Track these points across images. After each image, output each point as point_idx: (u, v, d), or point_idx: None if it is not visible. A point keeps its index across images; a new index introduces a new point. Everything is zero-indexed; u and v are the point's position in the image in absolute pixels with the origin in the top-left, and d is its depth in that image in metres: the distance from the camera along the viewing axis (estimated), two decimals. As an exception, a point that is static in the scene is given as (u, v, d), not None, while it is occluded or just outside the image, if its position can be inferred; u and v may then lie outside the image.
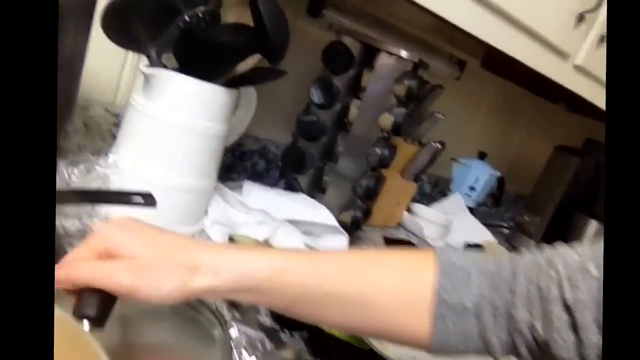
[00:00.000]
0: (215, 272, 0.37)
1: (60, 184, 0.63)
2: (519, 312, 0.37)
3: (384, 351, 0.54)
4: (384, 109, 0.91)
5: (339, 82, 0.89)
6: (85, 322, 0.34)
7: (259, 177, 1.06)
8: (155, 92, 0.67)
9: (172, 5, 0.62)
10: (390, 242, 1.05)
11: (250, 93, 0.82)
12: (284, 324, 0.60)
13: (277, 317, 0.60)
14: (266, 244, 0.73)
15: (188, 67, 0.66)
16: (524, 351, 0.37)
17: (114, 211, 0.63)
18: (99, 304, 0.35)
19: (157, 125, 0.68)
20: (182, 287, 0.36)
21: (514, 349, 0.38)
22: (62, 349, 0.28)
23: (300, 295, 0.39)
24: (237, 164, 1.03)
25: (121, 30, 0.64)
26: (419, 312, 0.39)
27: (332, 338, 0.54)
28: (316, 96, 0.88)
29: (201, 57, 0.65)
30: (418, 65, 0.91)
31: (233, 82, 0.71)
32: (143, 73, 0.67)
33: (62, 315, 0.32)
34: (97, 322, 0.35)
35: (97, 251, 0.37)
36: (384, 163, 0.94)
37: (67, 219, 0.66)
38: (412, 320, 0.40)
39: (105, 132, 0.85)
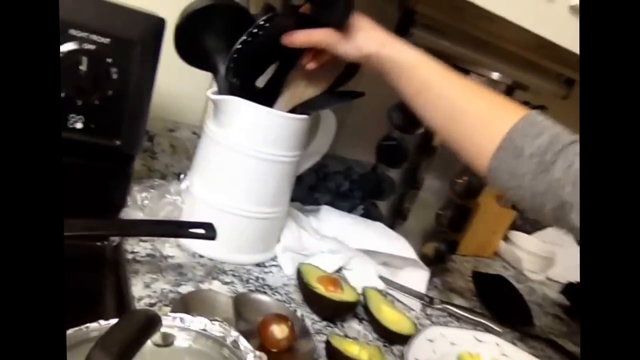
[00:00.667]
0: (396, 50, 0.59)
1: (132, 209, 0.66)
2: (556, 172, 0.47)
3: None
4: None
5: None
6: None
7: (342, 198, 1.03)
8: (224, 119, 0.67)
9: (245, 18, 0.62)
10: (480, 277, 0.96)
11: (329, 117, 0.79)
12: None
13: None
14: (334, 279, 0.70)
15: (254, 90, 0.65)
16: (548, 207, 0.48)
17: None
18: None
19: (227, 152, 0.67)
20: (376, 52, 0.60)
21: (541, 206, 0.49)
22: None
23: (423, 88, 0.58)
24: (320, 184, 1.01)
25: (193, 49, 0.64)
26: (491, 139, 0.52)
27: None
28: (397, 119, 0.83)
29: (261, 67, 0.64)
30: (513, 87, 0.82)
31: (306, 107, 0.69)
32: (211, 100, 0.67)
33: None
34: None
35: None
36: (472, 192, 0.86)
37: (139, 243, 0.69)
38: (483, 142, 0.53)
39: (191, 153, 0.87)
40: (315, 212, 0.90)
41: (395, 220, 0.90)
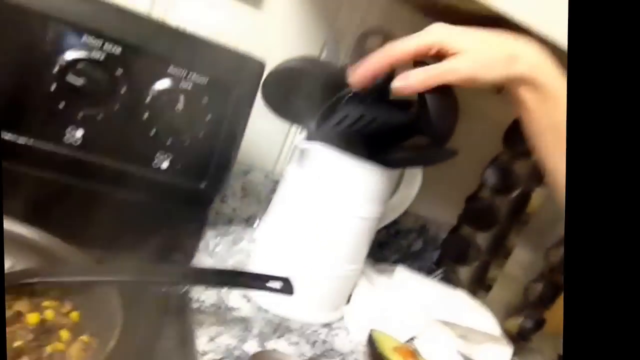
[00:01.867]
0: (530, 65, 0.49)
1: (203, 255, 0.64)
2: None
3: None
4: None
5: (520, 166, 0.78)
6: None
7: (414, 258, 0.98)
8: (307, 168, 0.65)
9: (337, 82, 0.60)
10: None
11: (414, 172, 0.76)
12: None
13: None
14: (411, 352, 0.65)
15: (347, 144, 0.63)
16: None
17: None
18: None
19: (306, 203, 0.65)
20: (506, 73, 0.49)
21: None
22: None
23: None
24: (392, 241, 0.97)
25: (280, 101, 0.64)
26: None
27: None
28: (491, 179, 0.78)
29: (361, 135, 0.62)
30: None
31: (396, 162, 0.66)
32: (298, 147, 0.66)
33: None
34: None
35: (426, 46, 0.49)
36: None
37: (205, 290, 0.67)
38: None
39: (262, 197, 0.86)
40: (388, 272, 0.86)
41: (477, 289, 0.84)
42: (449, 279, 0.86)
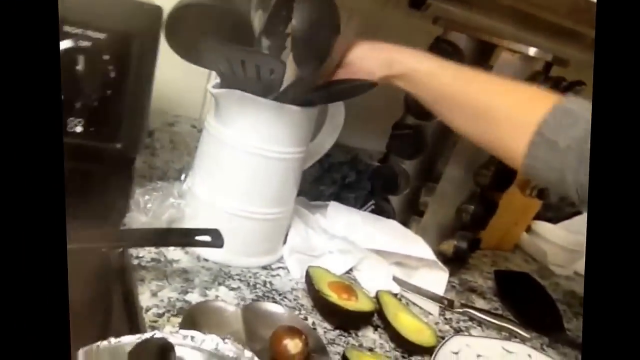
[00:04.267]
0: (405, 65, 0.67)
1: (134, 213, 0.68)
2: None
3: None
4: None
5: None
6: None
7: (349, 189, 1.05)
8: (225, 114, 0.68)
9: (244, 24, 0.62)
10: (502, 276, 0.98)
11: (337, 107, 0.81)
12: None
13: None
14: (346, 285, 0.73)
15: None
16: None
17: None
18: None
19: (229, 150, 0.69)
20: (385, 73, 0.68)
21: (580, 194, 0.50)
22: None
23: (443, 94, 0.64)
24: (326, 176, 1.03)
25: (186, 43, 0.65)
26: (522, 136, 0.54)
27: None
28: (414, 104, 0.83)
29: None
30: (551, 64, 0.83)
31: (311, 101, 0.70)
32: (211, 94, 0.68)
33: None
34: None
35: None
36: (500, 185, 0.88)
37: (142, 248, 0.71)
38: (515, 140, 0.56)
39: (192, 148, 0.89)
40: (322, 209, 0.92)
41: (409, 216, 0.92)
42: (381, 210, 0.93)
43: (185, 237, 0.59)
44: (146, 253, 0.71)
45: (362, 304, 0.70)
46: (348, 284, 0.72)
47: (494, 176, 0.87)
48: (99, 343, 0.48)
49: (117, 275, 0.65)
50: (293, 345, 0.57)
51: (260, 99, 0.66)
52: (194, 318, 0.58)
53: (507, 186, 0.91)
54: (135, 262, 0.68)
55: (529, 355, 0.72)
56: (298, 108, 0.68)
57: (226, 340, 0.51)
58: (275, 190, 0.73)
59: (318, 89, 0.69)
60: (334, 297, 0.68)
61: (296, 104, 0.67)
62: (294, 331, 0.58)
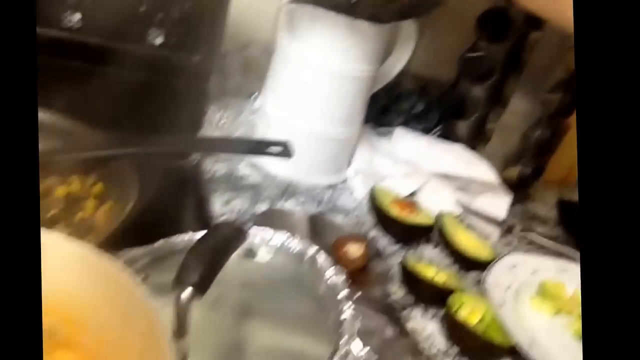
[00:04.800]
0: None
1: (208, 129, 0.72)
2: None
3: (530, 352, 0.53)
4: (571, 44, 0.82)
5: (516, 12, 0.81)
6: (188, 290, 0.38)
7: (417, 120, 1.05)
8: (297, 32, 0.70)
9: None
10: (565, 206, 0.96)
11: (408, 27, 0.80)
12: (418, 299, 0.61)
13: (410, 290, 0.62)
14: (408, 202, 0.74)
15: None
16: None
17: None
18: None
19: (300, 68, 0.71)
20: None
21: None
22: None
23: None
24: (393, 105, 1.03)
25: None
26: None
27: (463, 325, 0.55)
28: (486, 28, 0.82)
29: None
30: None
31: (384, 14, 0.70)
32: (284, 11, 0.70)
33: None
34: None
35: None
36: (566, 110, 0.85)
37: (216, 162, 0.76)
38: None
39: (264, 71, 0.91)
40: (388, 135, 0.93)
41: (475, 142, 0.91)
42: (448, 135, 0.93)
43: (256, 147, 0.63)
44: (218, 168, 0.76)
45: (423, 219, 0.71)
46: (410, 201, 0.74)
47: (562, 101, 0.84)
48: (174, 237, 0.53)
49: (191, 185, 0.70)
50: (354, 249, 0.60)
51: (332, 14, 0.66)
52: (263, 222, 0.62)
53: (573, 110, 0.88)
54: (208, 176, 0.73)
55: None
56: (369, 24, 0.68)
57: (293, 238, 0.55)
58: (343, 108, 0.74)
59: (389, 4, 0.68)
60: (396, 211, 0.70)
61: (367, 19, 0.67)
62: (355, 237, 0.61)
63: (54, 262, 0.35)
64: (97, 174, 0.57)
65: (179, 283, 0.37)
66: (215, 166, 0.75)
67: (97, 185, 0.56)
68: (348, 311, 0.47)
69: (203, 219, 0.62)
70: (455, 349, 0.57)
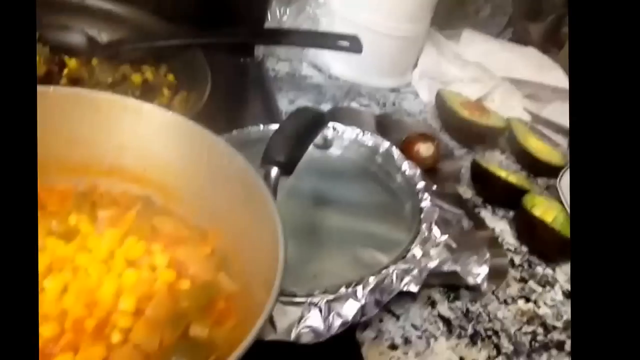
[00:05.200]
0: None
1: (272, 24, 0.70)
2: None
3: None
4: None
5: None
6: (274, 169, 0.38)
7: (482, 25, 0.99)
8: None
9: None
10: None
11: None
12: (488, 199, 0.60)
13: (481, 190, 0.60)
14: (478, 104, 0.71)
15: None
16: None
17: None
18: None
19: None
20: None
21: None
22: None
23: None
24: (458, 9, 0.97)
25: None
26: None
27: (540, 222, 0.53)
28: None
29: None
30: None
31: None
32: None
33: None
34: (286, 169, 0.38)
35: None
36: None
37: (278, 62, 0.74)
38: None
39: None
40: (455, 37, 0.88)
41: (549, 47, 0.86)
42: (520, 38, 0.87)
43: (325, 40, 0.60)
44: (281, 67, 0.74)
45: (494, 121, 0.69)
46: (480, 104, 0.71)
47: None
48: (249, 127, 0.53)
49: (257, 82, 0.69)
50: (425, 148, 0.58)
51: None
52: (331, 119, 0.61)
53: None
54: (272, 74, 0.72)
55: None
56: None
57: (365, 132, 0.54)
58: (410, 3, 0.70)
59: None
60: (466, 113, 0.68)
61: None
62: (426, 136, 0.59)
63: (149, 130, 0.35)
64: (168, 65, 0.56)
65: (267, 161, 0.37)
66: (278, 65, 0.74)
67: (169, 75, 0.56)
68: (426, 201, 0.46)
69: (271, 114, 0.61)
70: (524, 248, 0.56)
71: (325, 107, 0.68)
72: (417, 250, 0.42)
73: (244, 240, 0.34)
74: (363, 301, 0.38)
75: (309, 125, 0.42)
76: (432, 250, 0.43)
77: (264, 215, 0.30)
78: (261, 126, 0.53)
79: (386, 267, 0.40)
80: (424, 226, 0.44)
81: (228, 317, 0.32)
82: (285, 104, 0.66)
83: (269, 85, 0.68)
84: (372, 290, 0.38)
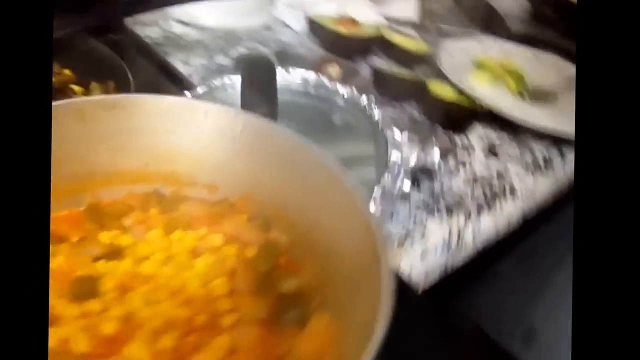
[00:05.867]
0: None
1: None
2: None
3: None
4: None
5: None
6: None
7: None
8: None
9: None
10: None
11: None
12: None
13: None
14: (348, 19, 0.75)
15: None
16: None
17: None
18: None
19: None
20: None
21: None
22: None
23: None
24: None
25: None
26: None
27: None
28: None
29: None
30: None
31: None
32: None
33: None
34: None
35: None
36: None
37: (146, 28, 0.69)
38: None
39: None
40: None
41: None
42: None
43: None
44: (152, 32, 0.70)
45: (367, 30, 0.73)
46: (349, 18, 0.75)
47: None
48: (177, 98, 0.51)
49: (144, 56, 0.64)
50: (334, 71, 0.62)
51: None
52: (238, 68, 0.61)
53: None
54: (150, 42, 0.67)
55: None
56: None
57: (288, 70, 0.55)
58: None
59: None
60: (343, 29, 0.71)
61: None
62: (328, 59, 0.62)
63: (143, 124, 0.33)
64: (56, 61, 0.51)
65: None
66: (147, 31, 0.69)
67: (63, 72, 0.51)
68: (376, 110, 0.50)
69: (179, 79, 0.59)
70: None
71: (219, 59, 0.67)
72: (395, 155, 0.46)
73: (280, 193, 0.35)
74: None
75: (268, 70, 0.42)
76: (405, 149, 0.47)
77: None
78: (187, 93, 0.51)
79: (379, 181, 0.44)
80: (387, 133, 0.48)
81: (297, 267, 0.33)
82: (181, 66, 0.64)
83: (156, 53, 0.64)
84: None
